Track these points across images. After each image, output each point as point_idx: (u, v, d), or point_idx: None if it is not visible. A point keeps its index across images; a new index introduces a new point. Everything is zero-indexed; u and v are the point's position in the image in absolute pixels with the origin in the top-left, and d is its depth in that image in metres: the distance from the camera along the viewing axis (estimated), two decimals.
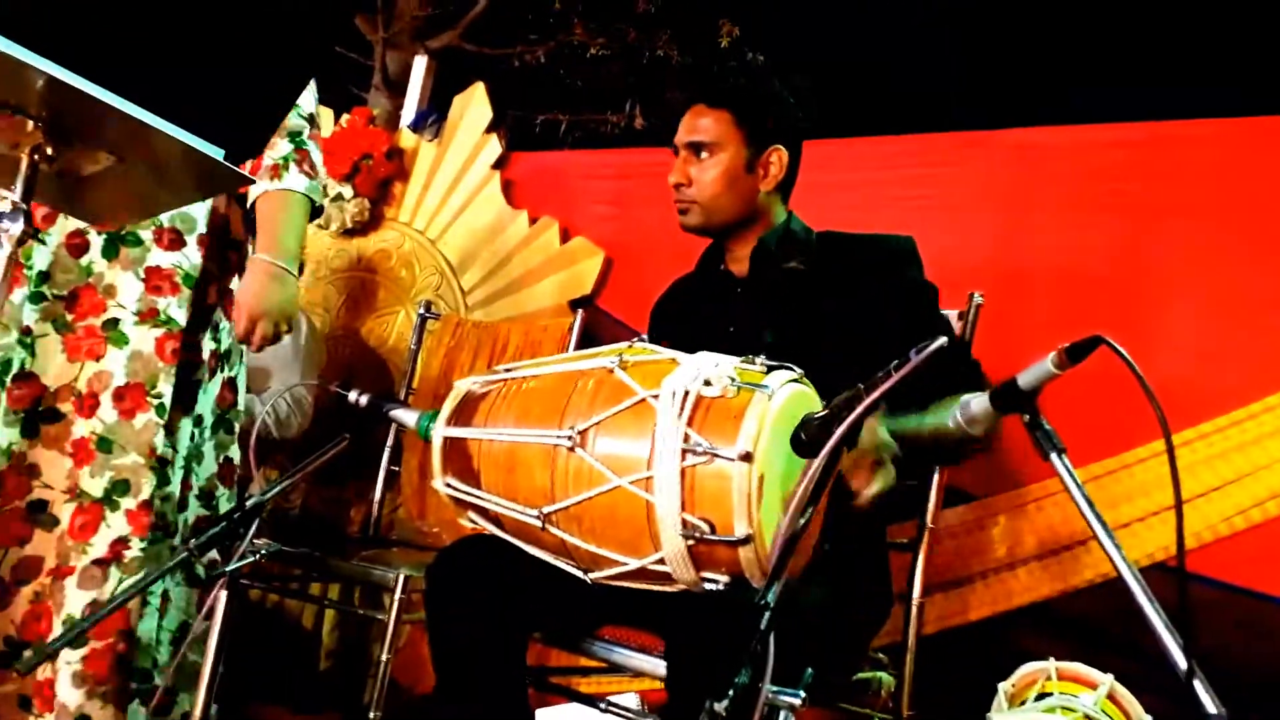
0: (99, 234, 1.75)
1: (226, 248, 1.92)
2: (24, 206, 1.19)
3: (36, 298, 1.72)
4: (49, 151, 1.20)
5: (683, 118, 1.65)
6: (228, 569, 1.29)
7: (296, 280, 1.84)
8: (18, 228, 1.19)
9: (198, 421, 1.86)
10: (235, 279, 1.94)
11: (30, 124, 1.17)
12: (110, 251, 1.75)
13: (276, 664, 2.73)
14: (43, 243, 1.73)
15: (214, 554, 1.88)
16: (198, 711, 1.38)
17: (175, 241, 1.80)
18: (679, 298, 1.83)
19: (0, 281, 1.19)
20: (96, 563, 1.66)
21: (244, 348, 1.99)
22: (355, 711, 2.52)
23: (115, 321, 1.73)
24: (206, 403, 1.88)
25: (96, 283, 1.74)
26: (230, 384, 1.95)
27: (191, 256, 1.82)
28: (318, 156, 1.92)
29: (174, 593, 1.85)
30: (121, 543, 1.68)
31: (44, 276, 1.73)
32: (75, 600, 1.65)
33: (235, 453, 1.97)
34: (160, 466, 1.75)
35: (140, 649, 1.75)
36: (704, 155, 1.62)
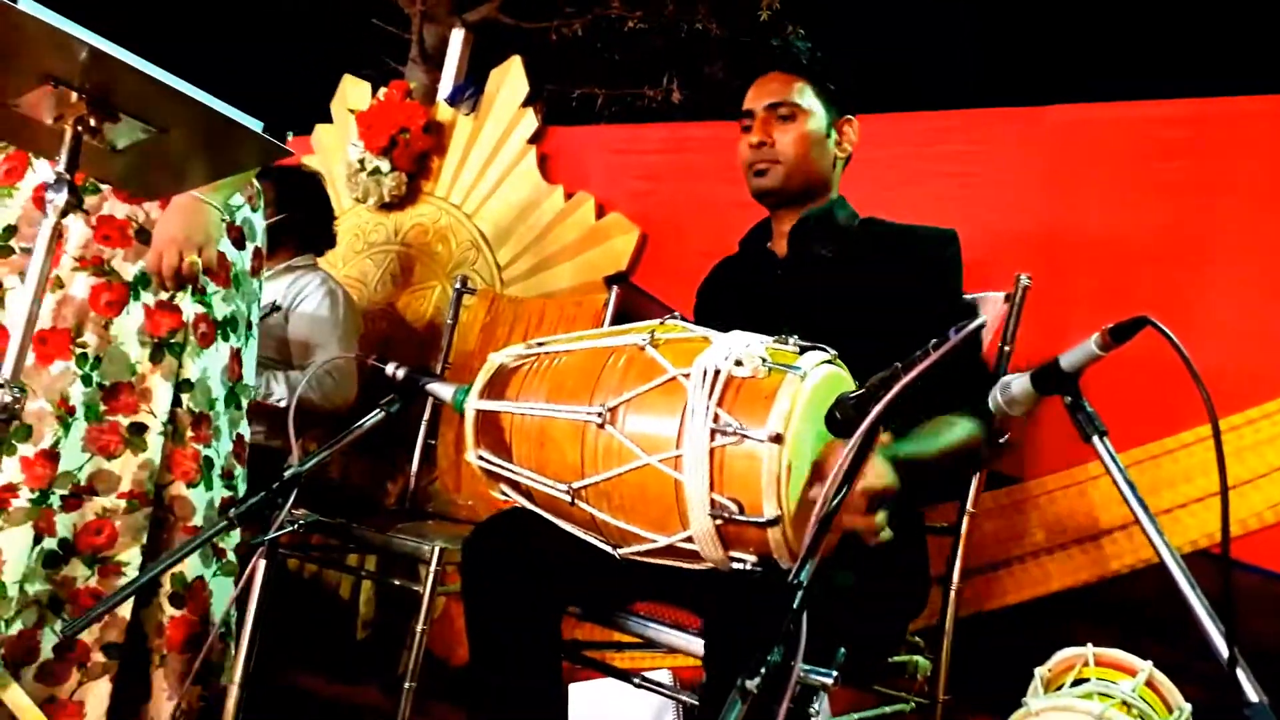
0: None
1: None
2: (68, 177, 1.21)
3: (5, 251, 1.70)
4: (92, 123, 1.22)
5: (753, 85, 1.68)
6: (266, 538, 1.31)
7: (219, 212, 1.77)
8: (62, 198, 1.21)
9: (185, 387, 1.79)
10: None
11: (74, 95, 1.19)
12: None
13: (314, 633, 2.78)
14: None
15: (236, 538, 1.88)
16: (237, 677, 1.41)
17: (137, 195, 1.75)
18: (721, 278, 1.83)
19: (44, 251, 1.21)
20: None
21: (255, 319, 1.98)
22: (391, 681, 2.56)
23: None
24: (201, 370, 1.82)
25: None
26: (236, 355, 1.90)
27: (151, 211, 1.77)
28: None
29: (213, 584, 1.83)
30: (9, 490, 1.61)
31: (10, 231, 1.70)
32: None
33: (246, 429, 1.95)
34: (138, 433, 1.72)
35: (112, 624, 1.71)
36: (786, 118, 1.64)
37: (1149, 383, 1.82)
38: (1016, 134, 2.31)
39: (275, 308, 2.64)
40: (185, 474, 1.79)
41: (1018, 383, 1.04)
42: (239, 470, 1.92)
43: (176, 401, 1.78)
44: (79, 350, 1.68)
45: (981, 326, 0.99)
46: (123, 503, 1.71)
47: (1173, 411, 1.90)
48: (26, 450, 1.63)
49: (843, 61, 1.69)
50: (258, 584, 1.41)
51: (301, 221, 2.78)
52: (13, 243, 1.71)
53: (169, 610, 1.77)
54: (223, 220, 1.81)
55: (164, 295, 1.77)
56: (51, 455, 1.65)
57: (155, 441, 1.75)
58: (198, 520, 1.79)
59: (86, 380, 1.68)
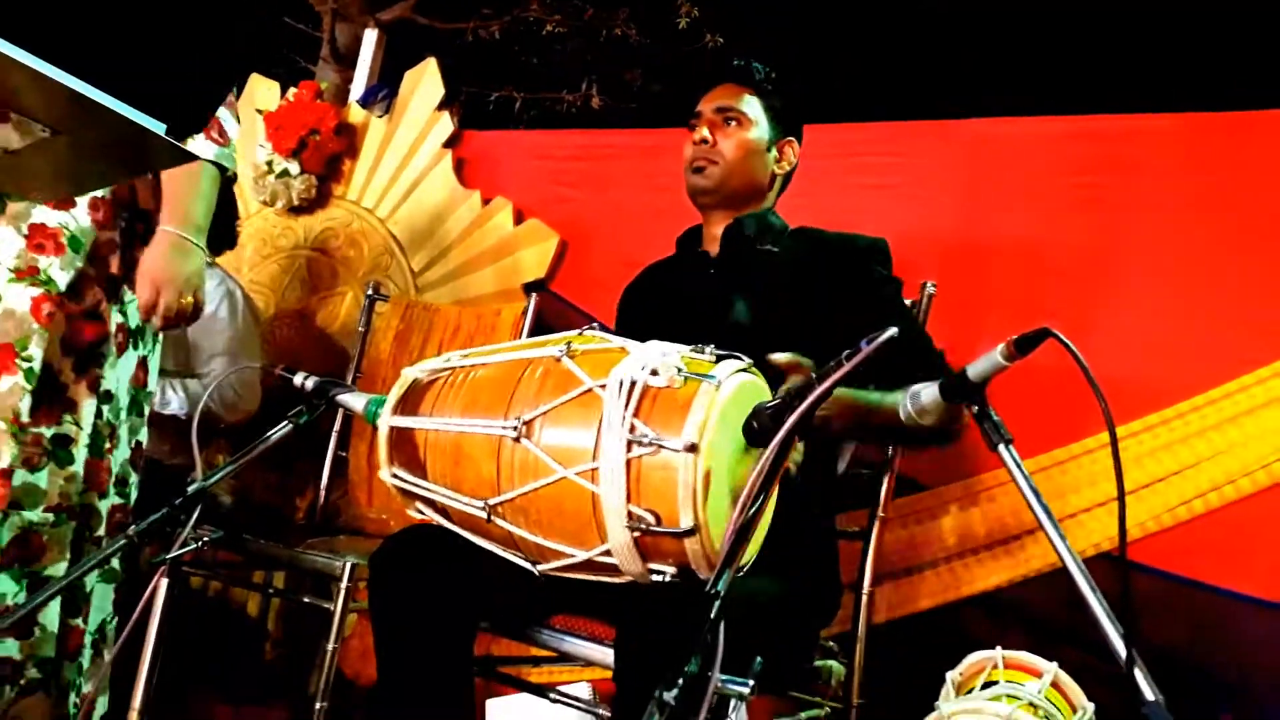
0: None
1: (134, 219, 1.86)
2: None
3: None
4: None
5: (709, 92, 1.77)
6: (169, 556, 1.28)
7: (203, 253, 1.80)
8: None
9: (106, 398, 1.79)
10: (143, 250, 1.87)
11: None
12: None
13: (220, 654, 2.71)
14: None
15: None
16: (136, 702, 1.37)
17: (64, 200, 1.74)
18: (649, 280, 1.87)
19: None
20: None
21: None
22: (301, 702, 2.50)
23: None
24: (116, 380, 1.82)
25: None
26: (143, 363, 1.91)
27: (80, 218, 1.75)
28: (230, 124, 1.87)
29: (95, 589, 1.80)
30: None
31: None
32: None
33: (144, 436, 1.94)
34: (62, 445, 1.71)
35: (44, 637, 1.70)
36: (732, 124, 1.73)
37: (1055, 391, 1.89)
38: (933, 147, 2.37)
39: None
40: (99, 486, 1.78)
41: (926, 392, 1.08)
42: (133, 477, 1.91)
43: (98, 414, 1.78)
44: (25, 365, 1.66)
45: (894, 337, 1.02)
46: (50, 516, 1.69)
47: (1077, 418, 1.98)
48: None
49: (798, 87, 1.78)
50: (159, 605, 1.38)
51: None
52: None
53: (67, 621, 1.74)
54: (206, 260, 1.83)
55: (88, 303, 1.76)
56: (8, 473, 1.65)
57: (80, 454, 1.74)
58: (100, 530, 1.78)
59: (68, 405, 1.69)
